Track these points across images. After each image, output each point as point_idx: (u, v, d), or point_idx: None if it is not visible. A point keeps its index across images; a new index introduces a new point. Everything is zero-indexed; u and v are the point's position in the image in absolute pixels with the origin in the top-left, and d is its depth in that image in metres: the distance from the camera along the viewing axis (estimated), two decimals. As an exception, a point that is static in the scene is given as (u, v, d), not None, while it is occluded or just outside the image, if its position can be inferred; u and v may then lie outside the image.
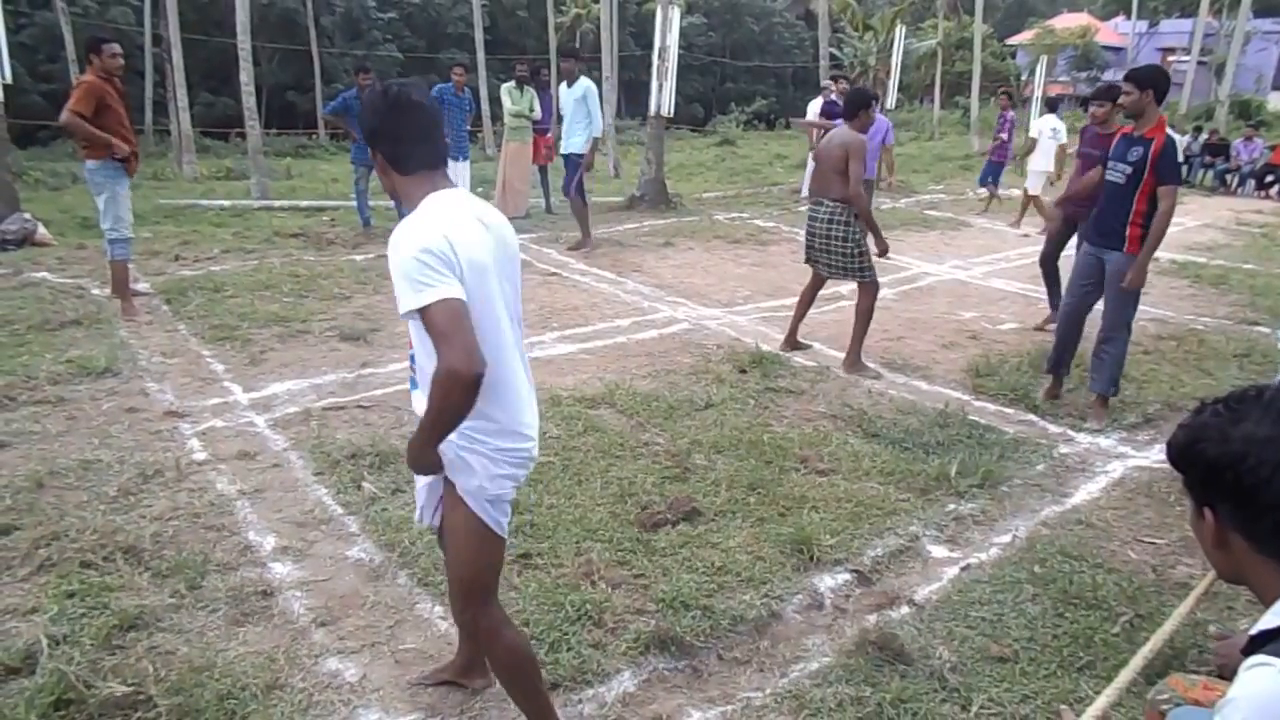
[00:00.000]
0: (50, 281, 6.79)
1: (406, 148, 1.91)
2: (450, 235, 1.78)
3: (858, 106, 5.30)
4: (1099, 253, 4.60)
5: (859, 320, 5.31)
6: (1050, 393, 4.94)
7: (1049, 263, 6.53)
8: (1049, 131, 10.73)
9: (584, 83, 8.39)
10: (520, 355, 2.04)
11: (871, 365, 5.40)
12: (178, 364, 5.10)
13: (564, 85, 8.51)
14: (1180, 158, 4.40)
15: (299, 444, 4.06)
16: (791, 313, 5.76)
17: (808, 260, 5.55)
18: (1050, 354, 4.96)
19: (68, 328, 5.60)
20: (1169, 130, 4.35)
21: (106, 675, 2.40)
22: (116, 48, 5.79)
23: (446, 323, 1.69)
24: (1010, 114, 11.87)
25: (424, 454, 1.89)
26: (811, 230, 5.40)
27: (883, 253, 5.36)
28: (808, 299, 5.69)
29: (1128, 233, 4.44)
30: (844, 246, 5.23)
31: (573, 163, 8.49)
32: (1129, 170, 4.40)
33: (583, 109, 8.32)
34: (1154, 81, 4.36)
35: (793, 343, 5.71)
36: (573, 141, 8.45)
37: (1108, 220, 4.53)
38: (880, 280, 5.40)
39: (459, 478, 1.96)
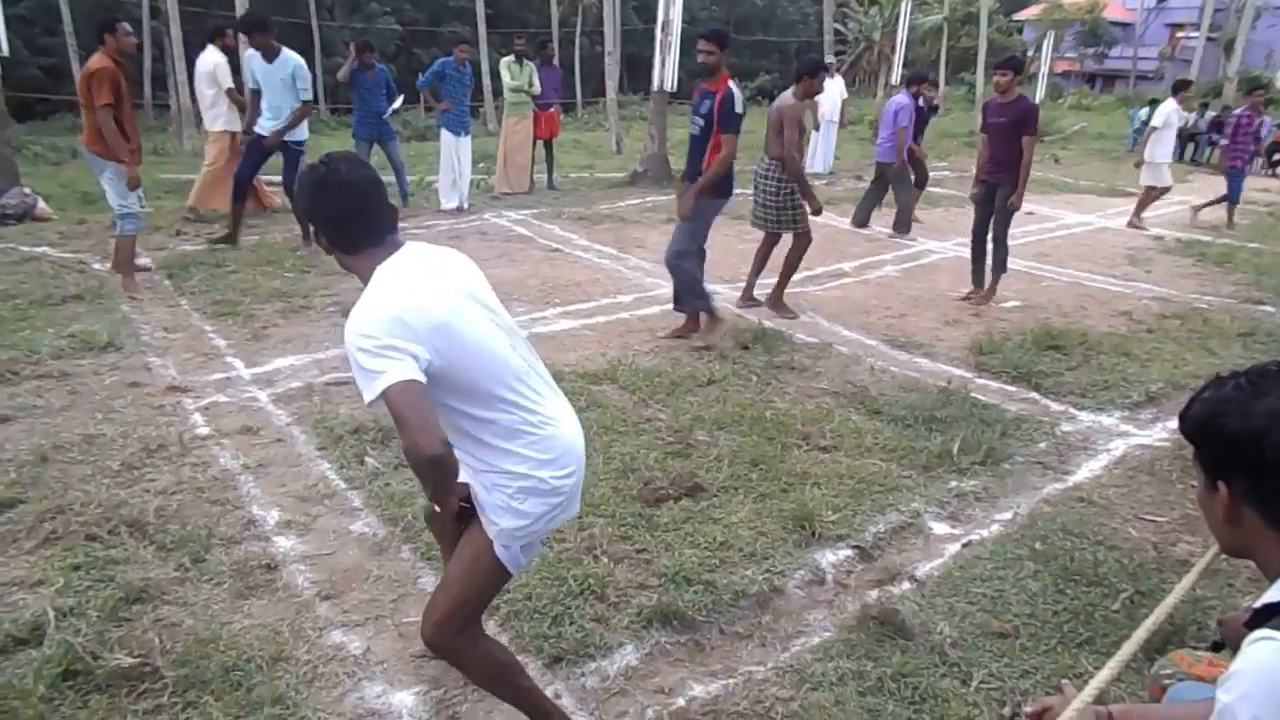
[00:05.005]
0: (51, 256, 6.76)
1: (342, 228, 1.86)
2: (400, 311, 1.74)
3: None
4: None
5: None
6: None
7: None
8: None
9: (292, 58, 7.16)
10: (541, 374, 1.99)
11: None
12: (180, 339, 5.10)
13: (256, 57, 7.13)
14: (740, 109, 4.98)
15: (302, 419, 4.07)
16: (800, 289, 5.74)
17: None
18: None
19: (69, 303, 5.59)
20: (730, 84, 4.99)
21: (113, 647, 2.42)
22: (129, 27, 5.71)
23: (397, 407, 1.68)
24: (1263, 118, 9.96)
25: (436, 500, 1.91)
26: None
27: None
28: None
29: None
30: None
31: (293, 152, 7.35)
32: (702, 123, 5.09)
33: (291, 91, 7.13)
34: (728, 40, 5.11)
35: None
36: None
37: (691, 166, 5.22)
38: (884, 257, 5.36)
39: (485, 516, 1.94)
